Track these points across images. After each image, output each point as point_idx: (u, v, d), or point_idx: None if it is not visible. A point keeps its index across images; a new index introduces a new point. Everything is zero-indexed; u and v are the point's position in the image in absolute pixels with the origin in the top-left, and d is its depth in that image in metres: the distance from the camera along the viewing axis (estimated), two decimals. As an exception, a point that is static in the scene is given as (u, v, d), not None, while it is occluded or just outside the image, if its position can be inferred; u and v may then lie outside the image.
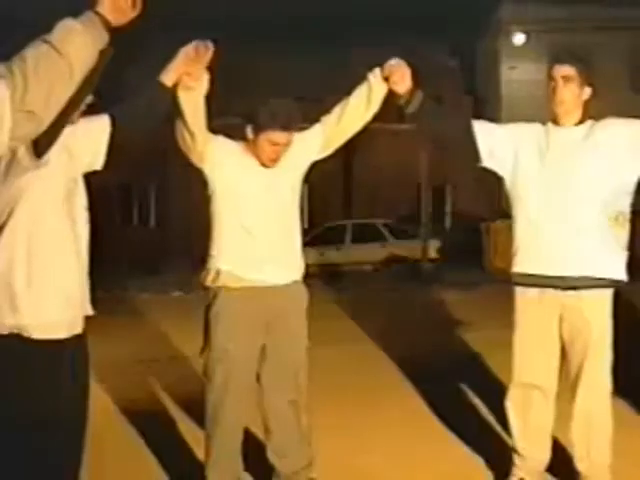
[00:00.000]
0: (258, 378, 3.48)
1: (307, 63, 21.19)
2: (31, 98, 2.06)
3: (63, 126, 2.46)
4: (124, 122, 2.95)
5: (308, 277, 3.59)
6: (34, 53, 2.08)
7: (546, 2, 22.75)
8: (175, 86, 3.15)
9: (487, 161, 3.61)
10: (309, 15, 22.29)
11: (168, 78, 3.11)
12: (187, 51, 3.12)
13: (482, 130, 3.60)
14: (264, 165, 3.42)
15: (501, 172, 3.62)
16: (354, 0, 23.13)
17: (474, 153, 3.59)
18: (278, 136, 3.34)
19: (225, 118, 3.34)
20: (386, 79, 3.47)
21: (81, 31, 2.14)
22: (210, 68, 3.20)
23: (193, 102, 3.23)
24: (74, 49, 2.12)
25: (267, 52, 20.60)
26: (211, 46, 3.12)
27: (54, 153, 2.60)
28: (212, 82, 3.24)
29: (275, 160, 3.40)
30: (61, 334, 2.63)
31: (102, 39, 2.21)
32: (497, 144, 3.57)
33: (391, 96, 3.52)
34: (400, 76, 3.46)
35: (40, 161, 2.50)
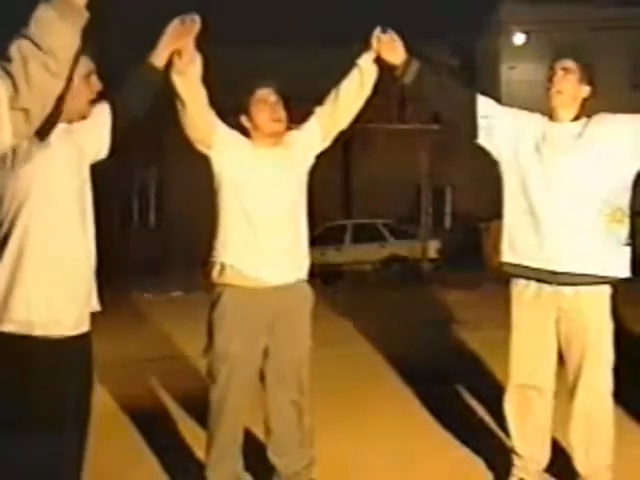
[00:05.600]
0: (262, 378, 3.48)
1: (306, 62, 21.18)
2: (24, 97, 2.04)
3: (58, 106, 2.43)
4: (117, 109, 2.95)
5: (308, 277, 3.58)
6: (17, 52, 2.04)
7: (546, 2, 22.75)
8: (167, 71, 3.14)
9: (484, 139, 3.56)
10: (308, 14, 22.32)
11: (158, 58, 3.08)
12: (174, 26, 3.09)
13: (485, 105, 3.56)
14: (273, 135, 3.42)
15: (496, 155, 3.58)
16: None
17: (472, 128, 3.55)
18: (267, 93, 3.41)
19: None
20: (377, 59, 3.49)
21: (57, 17, 2.06)
22: (200, 49, 3.20)
23: (189, 86, 3.23)
24: (54, 40, 2.05)
25: (265, 51, 20.60)
26: (197, 19, 3.10)
27: (64, 148, 2.62)
28: (207, 75, 3.25)
29: (279, 120, 3.41)
30: (68, 331, 2.63)
31: (80, 17, 2.11)
32: (498, 125, 3.53)
33: (388, 70, 3.52)
34: (390, 43, 3.47)
35: (41, 143, 2.49)
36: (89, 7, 2.13)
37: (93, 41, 2.64)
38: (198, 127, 3.33)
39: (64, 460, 2.66)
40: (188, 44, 3.14)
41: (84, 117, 2.78)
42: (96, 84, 2.79)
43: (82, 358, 2.73)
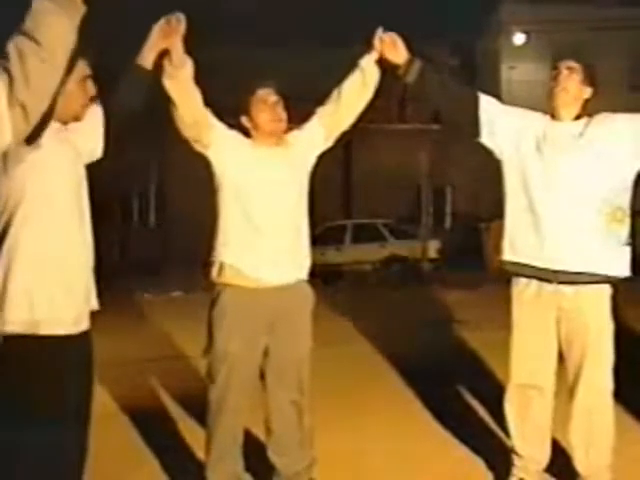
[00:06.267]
0: (262, 377, 3.48)
1: (306, 62, 21.19)
2: (21, 92, 2.04)
3: (50, 108, 2.42)
4: (113, 110, 2.97)
5: (309, 277, 3.58)
6: (14, 47, 2.03)
7: (546, 2, 22.76)
8: (158, 74, 3.15)
9: (486, 137, 3.56)
10: (308, 14, 22.31)
11: (145, 59, 3.09)
12: (159, 26, 3.11)
13: (487, 103, 3.57)
14: (273, 134, 3.42)
15: (498, 154, 3.58)
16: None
17: (474, 127, 3.55)
18: (267, 93, 3.41)
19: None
20: (380, 61, 3.49)
21: (54, 11, 2.05)
22: (190, 51, 3.20)
23: (181, 89, 3.23)
24: (51, 34, 2.04)
25: (265, 51, 20.60)
26: (182, 18, 3.11)
27: (58, 148, 2.63)
28: (198, 74, 3.25)
29: (279, 120, 3.42)
30: (68, 330, 2.63)
31: (76, 11, 2.11)
32: (500, 124, 3.54)
33: (390, 70, 3.52)
34: (391, 43, 3.48)
35: (32, 146, 2.49)
36: (87, 3, 2.14)
37: (92, 43, 2.64)
38: (194, 128, 3.33)
39: (65, 459, 2.66)
40: (176, 45, 3.14)
41: (77, 119, 2.79)
42: (91, 89, 2.79)
43: (82, 357, 2.73)
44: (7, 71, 2.01)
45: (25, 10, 2.07)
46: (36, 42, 2.03)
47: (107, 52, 2.86)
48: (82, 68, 2.72)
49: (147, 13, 3.40)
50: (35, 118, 2.10)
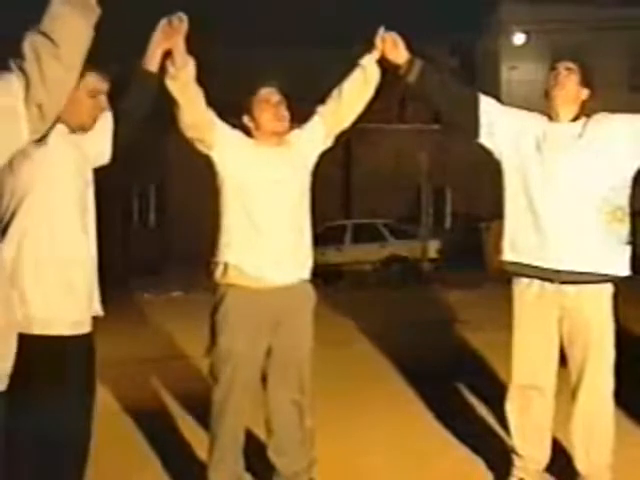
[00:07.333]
0: (264, 378, 3.48)
1: (306, 62, 21.19)
2: (38, 92, 2.04)
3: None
4: (120, 117, 2.97)
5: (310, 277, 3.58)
6: (29, 47, 2.04)
7: (546, 2, 22.77)
8: (161, 75, 3.15)
9: (485, 138, 3.57)
10: (308, 14, 22.33)
11: (150, 62, 3.09)
12: (162, 27, 3.10)
13: (487, 104, 3.57)
14: (275, 134, 3.42)
15: (497, 155, 3.59)
16: None
17: (474, 127, 3.56)
18: (269, 92, 3.41)
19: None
20: (380, 60, 3.50)
21: (70, 12, 2.07)
22: (192, 52, 3.20)
23: (184, 89, 3.23)
24: (67, 34, 2.05)
25: (265, 51, 20.61)
26: (184, 18, 3.10)
27: (65, 149, 2.63)
28: (199, 75, 3.25)
29: (282, 119, 3.42)
30: (68, 330, 2.63)
31: (92, 12, 2.13)
32: (499, 124, 3.55)
33: (392, 70, 3.53)
34: (392, 43, 3.48)
35: (38, 143, 2.49)
36: (101, 5, 2.15)
37: (113, 57, 2.64)
38: (197, 128, 3.33)
39: (66, 461, 2.66)
40: (178, 45, 3.14)
41: (84, 130, 2.78)
42: (103, 105, 2.79)
43: (83, 358, 2.73)
44: (23, 71, 2.02)
45: (39, 13, 2.08)
46: (52, 42, 2.03)
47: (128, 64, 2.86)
48: (96, 81, 2.72)
49: (146, 13, 3.40)
50: (51, 118, 2.11)
